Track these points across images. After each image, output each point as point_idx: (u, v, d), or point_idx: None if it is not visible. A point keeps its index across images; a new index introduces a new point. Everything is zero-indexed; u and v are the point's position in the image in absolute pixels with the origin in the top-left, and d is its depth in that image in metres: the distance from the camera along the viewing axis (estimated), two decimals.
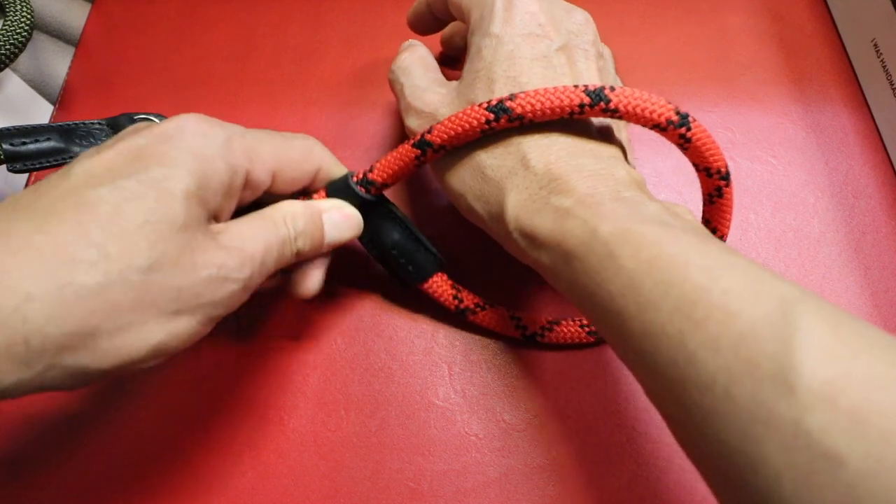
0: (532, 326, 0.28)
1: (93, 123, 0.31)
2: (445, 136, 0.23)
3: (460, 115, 0.23)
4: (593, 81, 0.24)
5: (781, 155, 0.33)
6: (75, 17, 0.36)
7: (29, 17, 0.30)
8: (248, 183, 0.22)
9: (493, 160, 0.24)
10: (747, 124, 0.34)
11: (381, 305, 0.30)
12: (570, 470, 0.27)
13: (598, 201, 0.21)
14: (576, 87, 0.22)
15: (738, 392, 0.16)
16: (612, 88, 0.22)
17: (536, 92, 0.22)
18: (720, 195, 0.25)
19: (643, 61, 0.36)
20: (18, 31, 0.29)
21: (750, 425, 0.16)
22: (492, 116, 0.22)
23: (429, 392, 0.28)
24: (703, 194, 0.25)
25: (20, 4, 0.29)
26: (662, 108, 0.22)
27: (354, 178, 0.25)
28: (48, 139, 0.29)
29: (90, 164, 0.19)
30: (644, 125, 0.23)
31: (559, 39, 0.24)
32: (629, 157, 0.25)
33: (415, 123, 0.26)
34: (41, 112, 0.34)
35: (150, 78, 0.35)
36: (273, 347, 0.29)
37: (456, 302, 0.28)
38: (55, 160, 0.29)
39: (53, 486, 0.26)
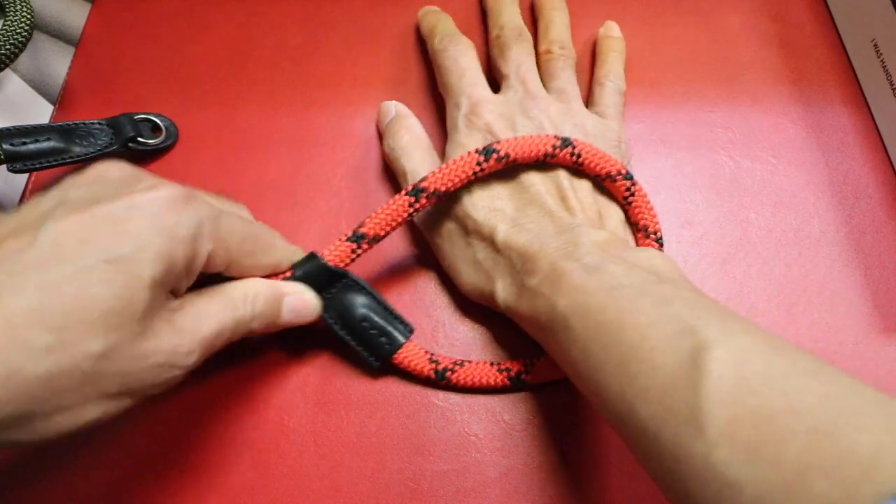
0: (515, 367, 0.27)
1: (93, 123, 0.31)
2: (440, 183, 0.26)
3: (452, 163, 0.26)
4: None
5: (781, 155, 0.33)
6: (75, 17, 0.36)
7: (29, 17, 0.30)
8: (205, 267, 0.22)
9: (481, 254, 0.27)
10: (747, 124, 0.34)
11: None
12: (570, 470, 0.27)
13: (559, 275, 0.24)
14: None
15: (663, 436, 0.18)
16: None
17: (517, 139, 0.27)
18: (632, 194, 0.28)
19: (643, 61, 0.36)
20: (18, 31, 0.29)
21: (675, 464, 0.18)
22: (482, 158, 0.26)
23: (429, 392, 0.28)
24: (619, 201, 0.29)
25: (20, 4, 0.29)
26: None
27: (330, 249, 0.26)
28: (48, 139, 0.29)
29: (60, 230, 0.18)
30: (536, 158, 0.27)
31: None
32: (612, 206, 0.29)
33: (419, 221, 0.30)
34: (41, 112, 0.34)
35: (150, 78, 0.35)
36: (273, 347, 0.29)
37: (433, 365, 0.27)
38: (55, 160, 0.29)
39: (52, 486, 0.26)
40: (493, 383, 0.27)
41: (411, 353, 0.27)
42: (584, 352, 0.22)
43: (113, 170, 0.21)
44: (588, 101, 0.32)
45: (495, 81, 0.32)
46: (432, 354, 0.27)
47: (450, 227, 0.28)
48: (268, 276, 0.25)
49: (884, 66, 0.33)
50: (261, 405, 0.28)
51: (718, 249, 0.31)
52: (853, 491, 0.15)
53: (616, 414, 0.20)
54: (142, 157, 0.33)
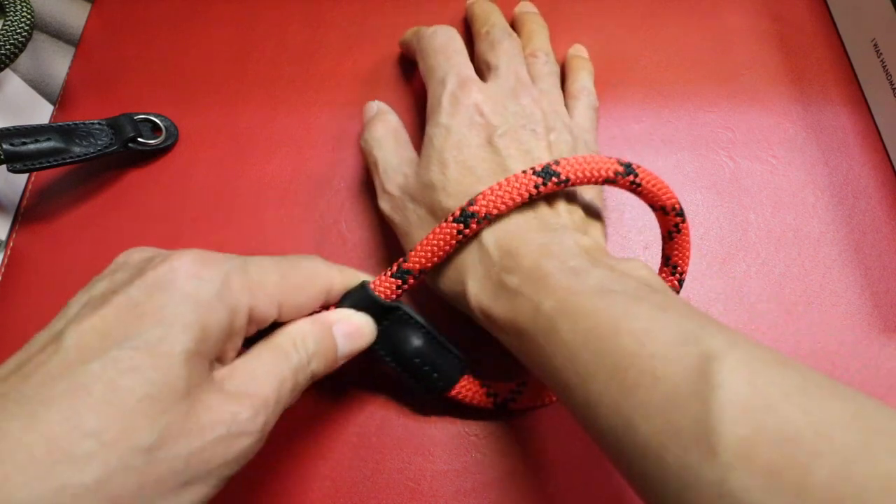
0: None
1: (93, 123, 0.31)
2: (492, 206, 0.24)
3: (506, 182, 0.24)
4: (542, 160, 0.26)
5: (781, 155, 0.33)
6: (75, 17, 0.36)
7: (29, 17, 0.30)
8: (252, 318, 0.20)
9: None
10: (747, 124, 0.34)
11: None
12: (570, 470, 0.27)
13: (543, 275, 0.22)
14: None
15: (668, 457, 0.16)
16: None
17: (576, 159, 0.24)
18: (678, 231, 0.26)
19: (643, 61, 0.36)
20: (18, 31, 0.29)
21: (682, 491, 0.16)
22: (540, 181, 0.24)
23: None
24: (662, 233, 0.27)
25: (20, 4, 0.29)
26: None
27: (377, 281, 0.24)
28: (48, 139, 0.29)
29: (82, 330, 0.17)
30: (595, 183, 0.25)
31: (503, 126, 0.26)
32: (596, 214, 0.27)
33: (387, 207, 0.27)
34: (41, 112, 0.34)
35: (150, 78, 0.35)
36: None
37: (492, 399, 0.26)
38: (55, 160, 0.29)
39: None
40: (546, 403, 0.27)
41: (465, 389, 0.26)
42: (571, 359, 0.20)
43: (134, 254, 0.21)
44: None
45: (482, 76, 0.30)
46: (489, 387, 0.26)
47: (419, 213, 0.26)
48: (319, 309, 0.23)
49: (884, 66, 0.33)
50: None
51: (718, 249, 0.31)
52: None
53: (609, 430, 0.18)
54: (142, 158, 0.33)
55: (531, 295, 0.21)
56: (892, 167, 0.33)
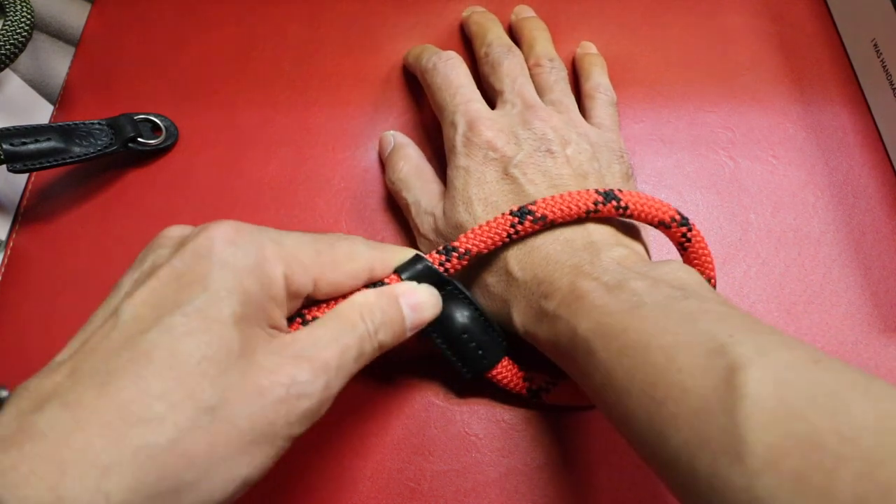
0: None
1: (93, 123, 0.31)
2: (471, 244, 0.25)
3: (486, 225, 0.25)
4: (562, 175, 0.26)
5: (781, 155, 0.33)
6: (75, 17, 0.36)
7: (29, 17, 0.30)
8: (288, 289, 0.21)
9: (492, 278, 0.26)
10: (747, 124, 0.34)
11: None
12: (570, 470, 0.27)
13: (578, 296, 0.22)
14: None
15: (698, 466, 0.17)
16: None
17: (553, 198, 0.25)
18: (688, 240, 0.26)
19: (643, 61, 0.36)
20: (18, 31, 0.29)
21: (713, 496, 0.17)
22: (517, 220, 0.25)
23: (429, 392, 0.28)
24: (675, 246, 0.27)
25: (20, 4, 0.29)
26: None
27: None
28: (48, 139, 0.29)
29: (135, 304, 0.18)
30: (576, 216, 0.25)
31: (519, 155, 0.27)
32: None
33: (425, 250, 0.28)
34: (41, 112, 0.34)
35: (150, 78, 0.35)
36: None
37: (527, 384, 0.26)
38: (55, 160, 0.29)
39: None
40: (583, 404, 0.27)
41: (505, 370, 0.26)
42: (607, 376, 0.20)
43: (174, 230, 0.21)
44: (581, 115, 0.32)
45: (489, 99, 0.30)
46: (526, 372, 0.27)
47: None
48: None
49: (884, 66, 0.33)
50: None
51: (718, 249, 0.31)
52: None
53: (645, 442, 0.19)
54: (142, 158, 0.33)
55: (569, 318, 0.22)
56: (892, 167, 0.33)
